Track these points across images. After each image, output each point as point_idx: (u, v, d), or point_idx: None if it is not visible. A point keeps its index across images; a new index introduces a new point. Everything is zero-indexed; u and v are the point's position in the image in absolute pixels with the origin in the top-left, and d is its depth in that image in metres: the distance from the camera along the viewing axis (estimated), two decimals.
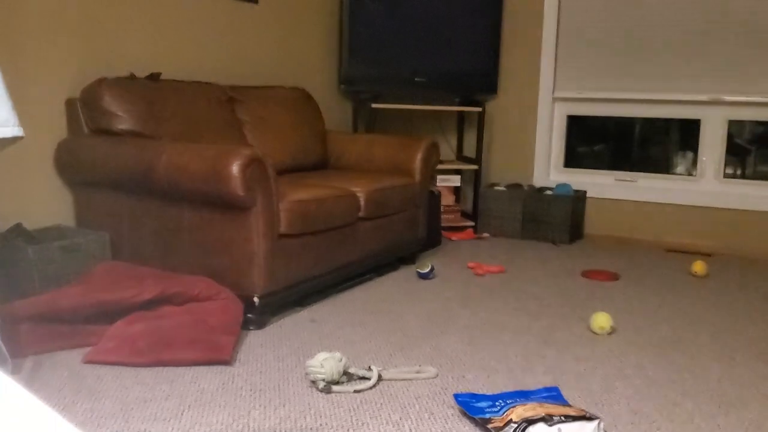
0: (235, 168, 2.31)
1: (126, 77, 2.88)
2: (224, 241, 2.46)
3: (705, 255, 4.04)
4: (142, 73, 3.12)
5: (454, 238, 4.26)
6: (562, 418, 1.63)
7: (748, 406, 1.95)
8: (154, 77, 2.99)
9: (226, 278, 2.47)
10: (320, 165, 3.72)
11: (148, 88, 2.87)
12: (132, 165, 2.55)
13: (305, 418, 1.78)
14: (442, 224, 4.17)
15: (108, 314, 2.26)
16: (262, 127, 3.39)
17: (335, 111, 4.53)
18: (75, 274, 2.53)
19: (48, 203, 2.80)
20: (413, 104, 4.32)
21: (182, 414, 1.79)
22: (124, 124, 2.74)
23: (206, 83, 3.21)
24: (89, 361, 2.10)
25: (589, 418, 1.65)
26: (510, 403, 1.74)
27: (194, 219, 2.52)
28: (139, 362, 2.09)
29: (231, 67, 3.65)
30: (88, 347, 2.21)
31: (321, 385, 1.94)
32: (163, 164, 2.47)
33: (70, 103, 2.82)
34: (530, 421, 1.61)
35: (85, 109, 2.78)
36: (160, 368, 2.09)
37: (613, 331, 2.57)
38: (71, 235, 2.66)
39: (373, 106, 4.19)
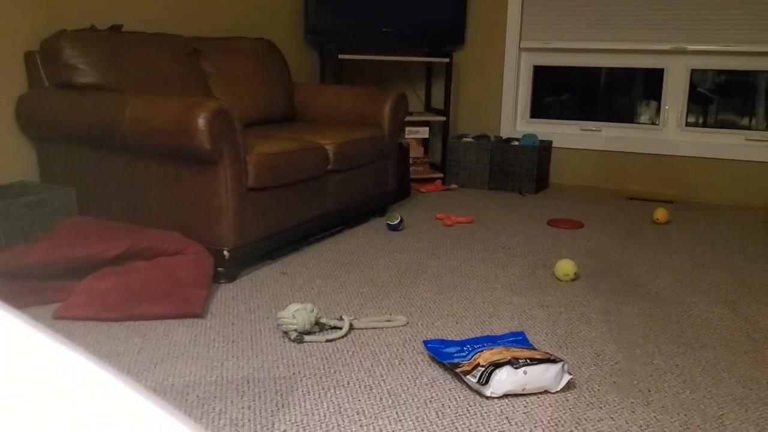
0: (201, 121, 2.29)
1: (86, 29, 2.81)
2: (192, 195, 2.45)
3: (667, 202, 4.14)
4: (102, 25, 3.04)
5: (422, 189, 4.28)
6: (528, 361, 1.69)
7: (705, 347, 2.03)
8: (115, 29, 2.91)
9: (195, 232, 2.47)
10: (288, 117, 3.69)
11: (109, 41, 2.81)
12: (95, 119, 2.51)
13: (278, 367, 1.82)
14: (411, 176, 4.19)
15: (77, 270, 2.25)
16: (227, 80, 3.34)
17: (302, 62, 4.48)
18: (41, 230, 2.50)
19: (11, 159, 2.75)
20: (381, 55, 4.28)
21: (155, 366, 1.81)
22: (85, 77, 2.68)
23: (169, 35, 3.15)
24: (59, 317, 2.10)
25: (554, 361, 1.70)
26: (477, 348, 1.79)
27: (161, 173, 2.50)
28: (110, 317, 2.09)
29: (194, 18, 3.57)
30: (57, 303, 2.21)
31: (293, 335, 1.97)
32: (127, 118, 2.43)
33: (29, 56, 2.74)
34: (497, 365, 1.66)
35: (45, 62, 2.71)
36: (132, 322, 2.10)
37: (577, 277, 2.64)
38: (36, 190, 2.62)
39: (341, 57, 4.14)
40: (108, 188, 2.63)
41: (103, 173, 2.63)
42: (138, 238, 2.32)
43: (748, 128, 4.15)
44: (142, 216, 2.57)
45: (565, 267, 2.59)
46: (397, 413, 1.59)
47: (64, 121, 2.60)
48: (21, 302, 2.19)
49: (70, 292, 2.20)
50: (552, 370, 1.69)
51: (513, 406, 1.64)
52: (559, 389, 1.71)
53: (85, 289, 2.18)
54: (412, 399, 1.66)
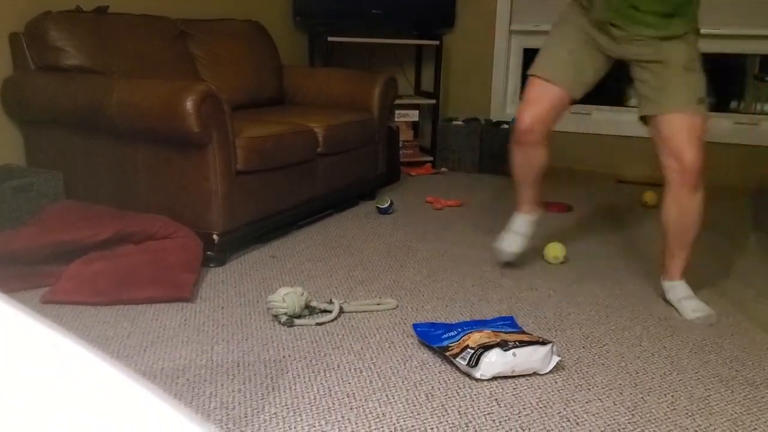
0: (189, 104, 2.27)
1: (72, 10, 2.77)
2: (181, 179, 2.44)
3: (655, 185, 4.15)
4: (88, 7, 3.00)
5: (412, 173, 4.28)
6: (517, 343, 1.70)
7: (692, 329, 2.05)
8: (101, 11, 2.88)
9: (184, 216, 2.46)
10: (277, 100, 3.67)
11: (96, 22, 2.78)
12: (82, 103, 2.49)
13: (268, 350, 1.82)
14: (401, 159, 4.18)
15: (65, 254, 2.23)
16: (215, 62, 3.31)
17: (291, 45, 4.44)
18: (28, 215, 2.48)
19: None
20: (370, 38, 4.26)
21: (145, 350, 1.81)
22: (72, 59, 2.65)
23: (156, 17, 3.11)
24: (48, 301, 2.09)
25: (543, 343, 1.72)
26: (467, 330, 1.80)
27: (149, 157, 2.48)
28: (99, 301, 2.09)
29: (181, 0, 3.53)
30: (45, 288, 2.20)
31: (283, 319, 1.98)
32: (114, 102, 2.41)
33: (14, 38, 2.70)
34: (487, 347, 1.67)
35: (31, 44, 2.68)
36: (121, 306, 2.09)
37: (566, 260, 2.65)
38: (23, 174, 2.60)
39: (330, 39, 4.11)
40: (96, 172, 2.61)
41: (90, 157, 2.61)
42: (127, 223, 2.31)
43: (737, 111, 4.17)
44: (130, 200, 2.56)
45: (555, 250, 2.60)
46: (387, 396, 1.60)
47: (50, 105, 2.57)
48: (8, 287, 2.18)
49: (58, 276, 2.19)
50: (541, 351, 1.70)
51: (502, 388, 1.65)
52: (548, 371, 1.72)
53: (73, 273, 2.17)
54: (402, 382, 1.67)
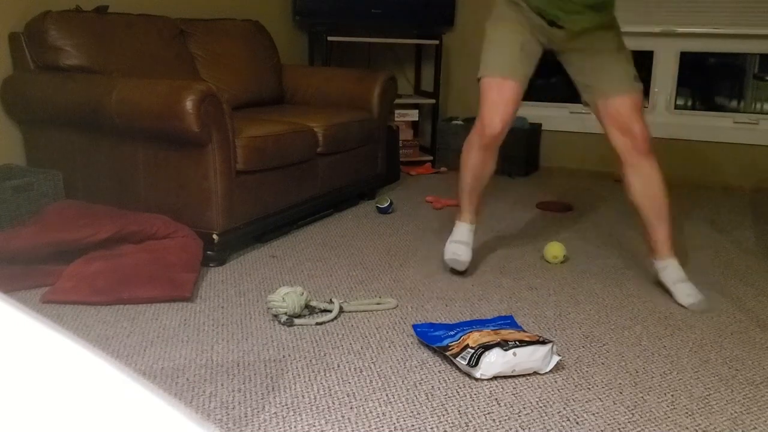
0: (188, 104, 2.27)
1: (72, 10, 2.77)
2: (181, 178, 2.44)
3: None
4: (88, 6, 3.00)
5: (412, 172, 4.28)
6: (517, 343, 1.70)
7: (692, 328, 2.05)
8: (101, 10, 2.88)
9: (184, 216, 2.46)
10: (276, 100, 3.67)
11: (95, 22, 2.77)
12: (81, 102, 2.49)
13: (268, 350, 1.82)
14: (401, 159, 4.18)
15: (64, 254, 2.24)
16: (215, 62, 3.31)
17: (290, 44, 4.44)
18: (28, 214, 2.48)
19: None
20: (370, 37, 4.26)
21: (145, 350, 1.80)
22: (71, 59, 2.65)
23: (156, 16, 3.11)
24: (48, 301, 2.09)
25: (543, 342, 1.72)
26: (466, 330, 1.80)
27: (149, 156, 2.48)
28: (99, 301, 2.09)
29: None
30: (45, 287, 2.20)
31: (283, 318, 1.98)
32: (114, 101, 2.41)
33: (13, 38, 2.70)
34: (486, 346, 1.67)
35: (30, 44, 2.68)
36: (121, 306, 2.09)
37: (566, 259, 2.65)
38: (23, 174, 2.60)
39: (330, 39, 4.11)
40: (95, 171, 2.61)
41: (90, 156, 2.61)
42: (126, 222, 2.31)
43: (737, 111, 4.17)
44: (130, 200, 2.56)
45: (555, 249, 2.60)
46: (387, 395, 1.60)
47: (50, 104, 2.57)
48: (8, 287, 2.18)
49: (58, 276, 2.19)
50: (541, 351, 1.70)
51: (502, 388, 1.65)
52: (548, 370, 1.72)
53: (73, 273, 2.17)
54: (402, 381, 1.67)
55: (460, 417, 1.52)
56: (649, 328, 2.04)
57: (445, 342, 1.78)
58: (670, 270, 2.28)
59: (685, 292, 2.21)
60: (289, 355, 1.79)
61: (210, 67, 3.28)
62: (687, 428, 1.51)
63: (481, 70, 2.33)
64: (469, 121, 4.43)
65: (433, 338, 1.82)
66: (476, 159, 2.35)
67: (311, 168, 2.96)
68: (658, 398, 1.63)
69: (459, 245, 2.41)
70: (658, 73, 4.23)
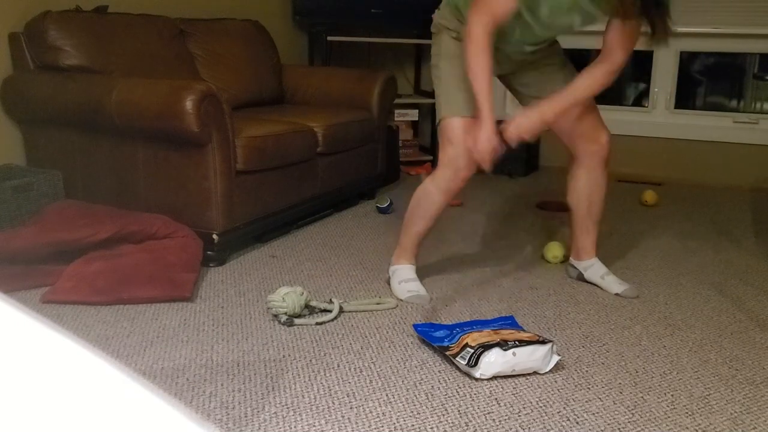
0: (188, 103, 2.27)
1: (72, 10, 2.77)
2: (181, 178, 2.44)
3: (655, 184, 4.15)
4: (88, 6, 3.00)
5: (412, 172, 4.28)
6: (517, 342, 1.70)
7: (692, 328, 2.05)
8: (101, 10, 2.88)
9: (184, 216, 2.46)
10: (276, 100, 3.67)
11: (95, 22, 2.77)
12: (81, 102, 2.49)
13: (268, 350, 1.82)
14: (401, 159, 4.18)
15: (64, 254, 2.24)
16: (215, 62, 3.31)
17: (290, 44, 4.44)
18: (28, 214, 2.48)
19: None
20: (370, 37, 4.26)
21: (145, 350, 1.80)
22: (71, 59, 2.65)
23: (156, 16, 3.11)
24: (48, 301, 2.09)
25: (543, 342, 1.72)
26: (466, 330, 1.80)
27: (149, 156, 2.48)
28: (99, 301, 2.09)
29: None
30: (45, 287, 2.20)
31: (283, 318, 1.98)
32: (113, 101, 2.41)
33: (13, 38, 2.70)
34: (486, 346, 1.67)
35: (30, 44, 2.68)
36: (121, 306, 2.09)
37: (566, 260, 2.65)
38: (22, 174, 2.60)
39: (329, 38, 4.11)
40: (95, 171, 2.61)
41: (90, 156, 2.61)
42: (126, 222, 2.31)
43: (736, 110, 4.17)
44: (130, 199, 2.56)
45: (555, 249, 2.60)
46: (387, 395, 1.60)
47: (50, 104, 2.57)
48: (8, 287, 2.18)
49: (58, 276, 2.19)
50: (541, 351, 1.70)
51: (502, 388, 1.65)
52: (547, 370, 1.72)
53: (73, 273, 2.17)
54: (402, 381, 1.67)
55: (460, 417, 1.52)
56: (649, 328, 2.04)
57: (445, 342, 1.78)
58: (596, 266, 2.37)
59: (616, 282, 2.31)
60: (289, 355, 1.79)
61: (210, 67, 3.28)
62: (687, 428, 1.51)
63: (444, 109, 2.20)
64: None
65: (433, 338, 1.82)
66: (439, 204, 2.20)
67: (311, 168, 2.96)
68: (658, 398, 1.63)
69: (411, 282, 2.25)
70: (657, 72, 4.23)
